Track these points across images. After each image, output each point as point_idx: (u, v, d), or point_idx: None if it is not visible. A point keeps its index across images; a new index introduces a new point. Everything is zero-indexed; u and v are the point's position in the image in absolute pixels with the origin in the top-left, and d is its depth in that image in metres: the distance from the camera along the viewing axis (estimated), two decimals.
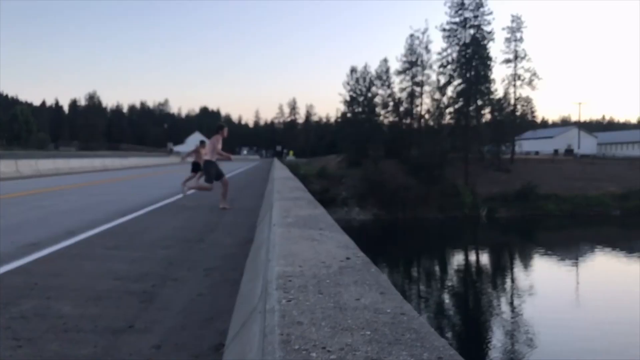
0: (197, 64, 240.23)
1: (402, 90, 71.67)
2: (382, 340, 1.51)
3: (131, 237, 7.66)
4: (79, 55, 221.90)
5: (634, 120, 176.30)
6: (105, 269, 5.49)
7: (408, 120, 72.85)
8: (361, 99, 71.14)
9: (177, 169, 40.14)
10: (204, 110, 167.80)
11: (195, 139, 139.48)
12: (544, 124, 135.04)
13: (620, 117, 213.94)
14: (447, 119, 70.18)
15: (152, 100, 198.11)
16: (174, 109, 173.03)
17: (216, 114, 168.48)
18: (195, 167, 16.10)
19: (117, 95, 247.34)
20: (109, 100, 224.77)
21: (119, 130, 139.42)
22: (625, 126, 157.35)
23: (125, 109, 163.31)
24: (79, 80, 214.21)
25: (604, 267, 37.50)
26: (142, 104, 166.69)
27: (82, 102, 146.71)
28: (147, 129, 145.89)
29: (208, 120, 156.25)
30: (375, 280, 2.22)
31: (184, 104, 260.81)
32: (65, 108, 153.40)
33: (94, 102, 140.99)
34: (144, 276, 5.24)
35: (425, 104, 71.87)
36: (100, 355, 3.22)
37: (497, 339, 21.76)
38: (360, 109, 71.25)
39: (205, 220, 9.80)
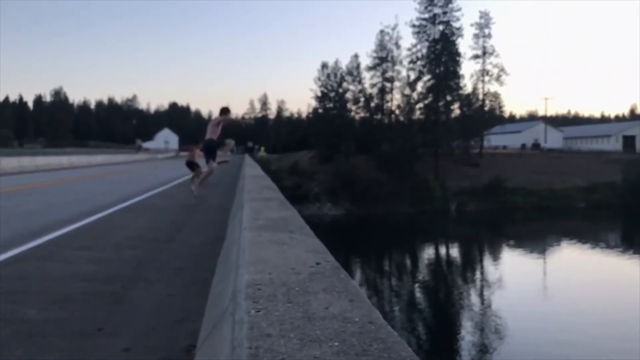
0: (166, 59, 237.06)
1: (373, 86, 72.07)
2: (350, 351, 1.51)
3: (99, 237, 7.53)
4: (43, 50, 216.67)
5: (597, 115, 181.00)
6: (72, 271, 5.37)
7: (379, 116, 73.28)
8: (332, 94, 71.22)
9: (147, 166, 39.61)
10: (173, 106, 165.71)
11: (164, 135, 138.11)
12: (512, 119, 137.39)
13: (585, 112, 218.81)
14: (417, 114, 70.85)
15: (120, 96, 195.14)
16: (142, 104, 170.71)
17: (186, 110, 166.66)
18: (190, 166, 15.91)
19: (84, 91, 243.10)
20: (75, 96, 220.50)
21: (86, 127, 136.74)
22: (589, 120, 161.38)
23: (92, 105, 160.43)
24: (44, 76, 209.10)
25: (570, 258, 38.41)
26: (110, 100, 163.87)
27: (48, 98, 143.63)
28: (115, 125, 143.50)
29: (177, 116, 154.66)
30: (344, 286, 2.22)
31: (152, 99, 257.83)
32: (30, 104, 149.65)
33: (59, 98, 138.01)
34: (113, 277, 5.16)
35: (395, 99, 72.45)
36: None
37: (467, 330, 22.10)
38: (331, 105, 71.33)
39: (175, 218, 9.69)
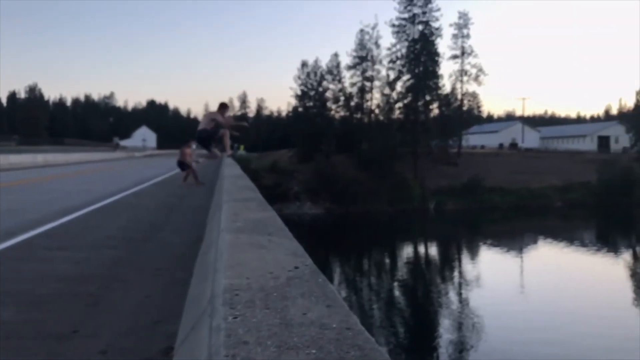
0: (144, 56, 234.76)
1: (353, 85, 72.30)
2: (327, 358, 1.52)
3: (75, 237, 7.42)
4: (17, 45, 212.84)
5: (573, 115, 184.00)
6: (48, 271, 5.29)
7: (359, 115, 73.51)
8: (312, 93, 71.21)
9: (124, 164, 39.18)
10: (151, 104, 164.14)
11: (142, 133, 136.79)
12: (490, 119, 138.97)
13: (561, 112, 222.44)
14: (397, 113, 71.29)
15: (97, 93, 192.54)
16: (120, 102, 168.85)
17: (164, 108, 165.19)
18: (182, 166, 15.87)
19: (60, 87, 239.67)
20: (51, 93, 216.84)
21: (62, 125, 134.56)
22: (566, 121, 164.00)
23: (68, 102, 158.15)
24: (18, 72, 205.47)
25: (547, 257, 39.00)
26: (87, 97, 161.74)
27: (22, 94, 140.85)
28: (92, 122, 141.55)
29: (155, 114, 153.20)
30: (322, 291, 2.22)
31: (130, 97, 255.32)
32: (3, 101, 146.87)
33: (34, 94, 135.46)
34: (90, 278, 5.09)
35: (375, 98, 72.77)
36: None
37: (445, 328, 22.31)
38: (311, 104, 71.32)
39: (153, 218, 9.60)
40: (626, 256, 39.53)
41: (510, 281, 29.96)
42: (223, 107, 11.30)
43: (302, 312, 1.90)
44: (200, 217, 9.06)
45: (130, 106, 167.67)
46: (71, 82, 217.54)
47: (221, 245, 3.40)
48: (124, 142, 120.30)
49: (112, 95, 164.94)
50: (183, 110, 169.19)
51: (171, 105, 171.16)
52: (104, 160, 46.58)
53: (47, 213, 9.63)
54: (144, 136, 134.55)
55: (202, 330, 2.39)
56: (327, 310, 1.94)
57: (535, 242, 45.20)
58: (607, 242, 45.65)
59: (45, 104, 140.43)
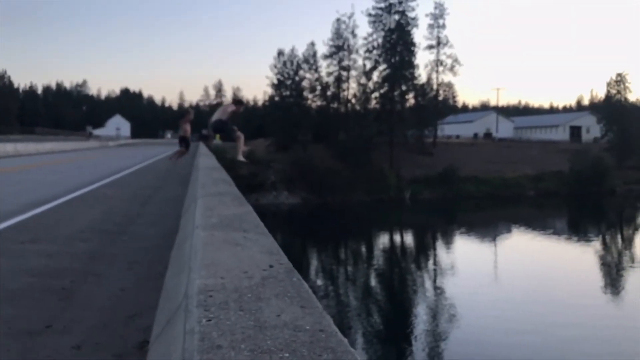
0: (117, 43, 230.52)
1: (329, 74, 72.19)
2: None
3: (48, 229, 7.31)
4: None
5: (546, 106, 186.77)
6: (19, 265, 5.20)
7: (335, 105, 73.53)
8: (289, 82, 70.90)
9: (98, 154, 38.60)
10: (125, 92, 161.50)
11: (116, 122, 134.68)
12: (465, 109, 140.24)
13: (534, 103, 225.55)
14: (373, 103, 71.49)
15: (69, 81, 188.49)
16: (93, 90, 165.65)
17: (138, 96, 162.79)
18: (185, 142, 15.65)
19: (30, 75, 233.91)
20: (20, 81, 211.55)
21: (33, 113, 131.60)
22: (539, 111, 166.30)
23: (39, 90, 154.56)
24: None
25: (520, 245, 39.72)
26: (58, 85, 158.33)
27: None
28: (64, 111, 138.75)
29: (129, 103, 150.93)
30: (296, 291, 2.24)
31: (103, 85, 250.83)
32: None
33: (3, 82, 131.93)
34: (63, 272, 5.02)
35: (352, 88, 72.85)
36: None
37: (420, 317, 22.60)
38: (288, 93, 71.03)
39: (127, 210, 9.49)
40: (596, 244, 40.48)
41: (484, 269, 30.45)
42: (239, 103, 11.28)
43: (276, 314, 1.91)
44: (176, 209, 8.99)
45: (103, 94, 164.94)
46: (42, 70, 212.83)
47: (195, 243, 3.39)
48: (97, 131, 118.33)
49: (84, 83, 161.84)
50: (157, 99, 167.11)
51: (145, 94, 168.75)
52: (76, 150, 45.77)
53: (18, 205, 9.45)
54: (118, 125, 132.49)
55: (177, 324, 2.39)
56: (301, 312, 1.95)
57: (508, 230, 45.96)
58: (578, 230, 46.67)
59: (15, 92, 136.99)
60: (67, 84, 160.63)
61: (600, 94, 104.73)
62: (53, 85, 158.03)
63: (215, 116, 11.04)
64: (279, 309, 1.99)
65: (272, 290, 2.24)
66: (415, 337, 20.11)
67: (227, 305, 2.03)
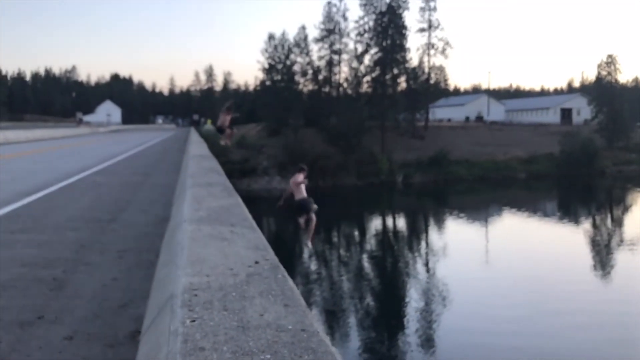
0: (106, 28, 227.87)
1: (321, 58, 71.74)
2: None
3: (38, 218, 7.28)
4: None
5: (537, 89, 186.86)
6: (10, 255, 5.19)
7: (327, 89, 73.23)
8: (280, 66, 70.43)
9: (88, 140, 38.35)
10: (115, 78, 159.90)
11: (106, 108, 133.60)
12: (456, 92, 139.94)
13: (525, 86, 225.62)
14: (365, 87, 71.22)
15: (58, 67, 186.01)
16: (82, 76, 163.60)
17: (128, 82, 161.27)
18: (220, 131, 15.57)
19: (18, 61, 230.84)
20: (9, 67, 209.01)
21: (21, 100, 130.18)
22: (530, 94, 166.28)
23: (28, 77, 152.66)
24: None
25: (511, 227, 39.98)
26: (47, 71, 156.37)
27: None
28: (53, 97, 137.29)
29: (120, 88, 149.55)
30: (281, 289, 2.25)
31: (93, 70, 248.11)
32: None
33: None
34: (54, 261, 5.03)
35: (343, 72, 72.50)
36: (6, 351, 3.08)
37: (412, 298, 22.79)
38: (279, 77, 70.59)
39: (117, 197, 9.47)
40: (586, 225, 40.83)
41: (476, 252, 30.65)
42: (302, 170, 10.76)
43: (260, 313, 1.93)
44: (166, 196, 8.98)
45: (93, 80, 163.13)
46: (30, 56, 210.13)
47: (183, 238, 3.39)
48: (87, 118, 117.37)
49: (73, 69, 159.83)
50: (148, 85, 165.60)
51: (135, 79, 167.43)
52: (67, 137, 45.43)
53: (7, 194, 9.39)
54: (108, 111, 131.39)
55: (165, 320, 2.41)
56: (284, 310, 1.97)
57: (500, 213, 46.23)
58: (568, 211, 47.03)
59: (3, 79, 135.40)
60: (56, 70, 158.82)
61: (591, 76, 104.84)
62: (42, 72, 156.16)
63: (298, 196, 10.51)
64: (262, 308, 2.01)
65: (256, 288, 2.26)
66: (407, 319, 20.29)
67: (212, 305, 2.05)
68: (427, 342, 18.01)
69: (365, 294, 24.11)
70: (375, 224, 43.86)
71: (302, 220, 10.78)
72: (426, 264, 29.64)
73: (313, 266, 29.79)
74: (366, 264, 30.32)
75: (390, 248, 34.67)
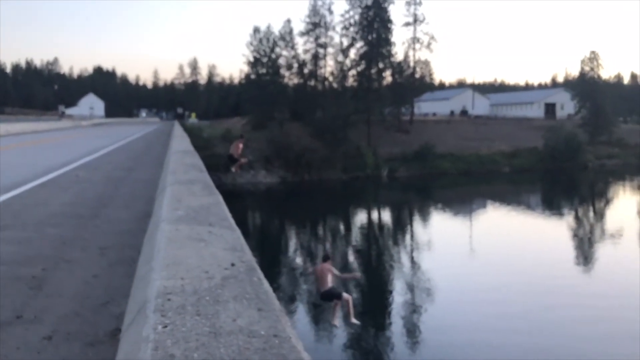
0: (89, 20, 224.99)
1: (306, 51, 71.70)
2: None
3: (18, 215, 7.16)
4: None
5: (522, 83, 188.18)
6: None
7: (312, 83, 73.17)
8: (265, 60, 70.21)
9: (71, 134, 37.88)
10: (98, 70, 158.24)
11: (89, 101, 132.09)
12: (441, 86, 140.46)
13: (510, 80, 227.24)
14: (350, 81, 71.27)
15: (39, 59, 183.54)
16: (64, 68, 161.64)
17: (111, 74, 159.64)
18: (231, 160, 15.74)
19: None
20: None
21: (2, 92, 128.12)
22: (515, 88, 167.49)
23: (8, 69, 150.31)
24: None
25: (495, 220, 40.36)
26: (28, 63, 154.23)
27: None
28: (34, 90, 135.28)
29: (102, 81, 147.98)
30: (255, 292, 2.24)
31: (75, 63, 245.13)
32: None
33: None
34: (33, 259, 4.94)
35: (329, 66, 72.53)
36: None
37: (397, 291, 22.93)
38: (264, 70, 70.38)
39: (99, 193, 9.35)
40: (569, 218, 41.35)
41: (460, 245, 30.89)
42: (327, 259, 10.79)
43: (232, 319, 1.91)
44: (149, 191, 8.87)
45: (75, 73, 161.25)
46: (10, 48, 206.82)
47: (159, 239, 3.36)
48: (70, 111, 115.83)
49: (55, 61, 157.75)
50: (131, 77, 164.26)
51: (119, 72, 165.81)
52: (49, 130, 44.82)
53: None
54: (91, 104, 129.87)
55: (143, 319, 2.38)
56: (258, 315, 1.95)
57: (484, 206, 46.64)
58: (551, 204, 47.58)
59: None
60: (38, 62, 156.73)
61: (575, 72, 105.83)
62: (23, 64, 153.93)
63: (322, 288, 10.33)
64: (235, 312, 1.99)
65: (231, 292, 2.24)
66: (393, 313, 20.40)
67: (185, 310, 2.02)
68: (413, 337, 18.13)
69: (350, 288, 24.16)
70: (360, 217, 43.98)
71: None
72: (411, 258, 29.80)
73: (298, 259, 29.85)
74: (352, 258, 30.40)
75: (375, 242, 34.81)
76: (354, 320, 10.73)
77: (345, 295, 10.37)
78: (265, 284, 2.37)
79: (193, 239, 3.29)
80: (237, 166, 14.93)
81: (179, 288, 2.30)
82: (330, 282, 10.12)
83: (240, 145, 14.58)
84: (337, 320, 10.57)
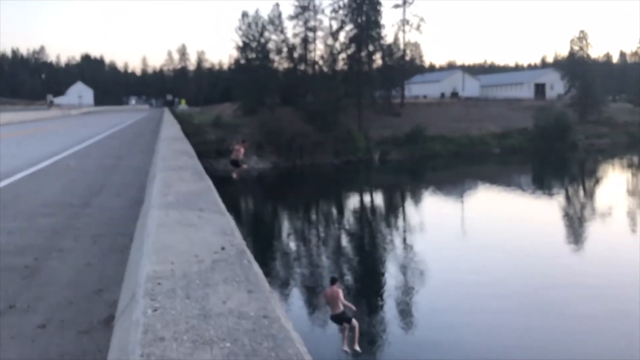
0: (75, 6, 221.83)
1: (296, 35, 71.26)
2: (240, 352, 1.56)
3: (9, 205, 7.12)
4: None
5: (512, 64, 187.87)
6: None
7: (302, 67, 72.79)
8: (254, 44, 69.66)
9: (60, 123, 37.56)
10: (86, 58, 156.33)
11: (77, 89, 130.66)
12: (432, 68, 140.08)
13: (500, 61, 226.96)
14: (341, 64, 70.98)
15: (25, 48, 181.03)
16: (51, 57, 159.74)
17: (99, 62, 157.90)
18: (235, 164, 15.84)
19: None
20: None
21: None
22: (505, 69, 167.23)
23: None
24: None
25: (486, 200, 40.58)
26: (14, 52, 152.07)
27: None
28: (21, 79, 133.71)
29: (91, 69, 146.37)
30: (245, 275, 2.25)
31: (62, 51, 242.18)
32: None
33: None
34: (25, 249, 4.93)
35: (318, 49, 72.09)
36: None
37: (390, 273, 23.07)
38: (253, 55, 69.87)
39: (90, 181, 9.32)
40: (559, 197, 41.65)
41: (452, 226, 31.07)
42: (334, 281, 11.01)
43: (222, 301, 1.92)
44: (140, 179, 8.85)
45: (63, 61, 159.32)
46: None
47: (150, 224, 3.36)
48: (58, 100, 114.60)
49: (42, 49, 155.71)
50: (120, 64, 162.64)
51: (107, 59, 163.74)
52: (37, 120, 44.39)
53: None
54: (80, 93, 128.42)
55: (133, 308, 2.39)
56: (247, 297, 1.97)
57: (475, 187, 46.86)
58: (542, 184, 47.90)
59: None
60: (24, 51, 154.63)
61: (564, 52, 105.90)
62: (8, 53, 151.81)
63: (335, 310, 10.62)
64: (225, 295, 2.01)
65: (221, 275, 2.25)
66: (386, 295, 20.53)
67: (174, 294, 2.03)
68: (406, 318, 18.26)
69: (343, 270, 24.31)
70: (353, 201, 44.09)
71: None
72: (404, 240, 29.96)
73: (291, 244, 29.95)
74: (344, 240, 30.56)
75: (368, 225, 34.94)
76: (357, 348, 11.00)
77: (354, 321, 10.70)
78: (255, 266, 2.39)
79: (183, 224, 3.30)
80: (238, 172, 15.11)
81: (168, 272, 2.31)
82: (342, 305, 10.50)
83: (242, 150, 14.72)
84: (347, 347, 10.90)
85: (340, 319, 10.67)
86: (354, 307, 11.13)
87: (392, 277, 22.64)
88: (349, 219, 36.81)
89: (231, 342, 1.60)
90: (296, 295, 20.77)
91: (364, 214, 38.48)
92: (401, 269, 23.66)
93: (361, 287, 22.09)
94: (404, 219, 36.11)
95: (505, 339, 15.71)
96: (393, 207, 41.20)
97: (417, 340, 16.31)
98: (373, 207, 41.63)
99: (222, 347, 1.57)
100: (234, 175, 15.62)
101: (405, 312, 18.80)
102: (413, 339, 16.50)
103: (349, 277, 23.57)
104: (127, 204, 7.08)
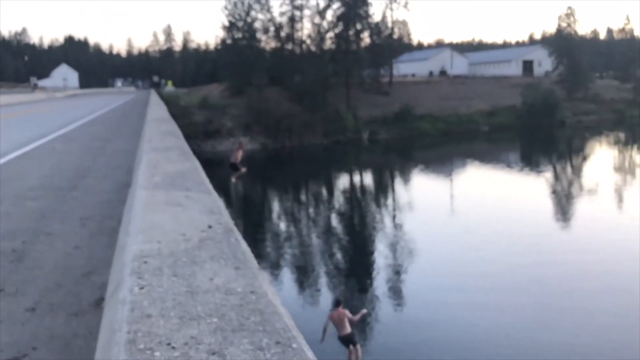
0: None
1: (282, 14, 70.44)
2: (226, 327, 1.56)
3: None
4: None
5: (500, 42, 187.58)
6: None
7: (290, 46, 72.15)
8: (241, 24, 68.88)
9: (45, 106, 37.10)
10: (70, 40, 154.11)
11: (62, 72, 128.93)
12: (420, 47, 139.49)
13: (488, 39, 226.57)
14: (328, 43, 70.44)
15: (6, 30, 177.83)
16: (34, 39, 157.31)
17: (84, 44, 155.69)
18: (234, 167, 15.74)
19: None
20: None
21: None
22: (493, 47, 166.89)
23: None
24: None
25: (476, 178, 40.82)
26: None
27: None
28: (4, 62, 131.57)
29: (75, 51, 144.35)
30: (232, 252, 2.26)
31: (45, 33, 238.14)
32: None
33: None
34: (12, 233, 4.90)
35: (306, 28, 71.50)
36: None
37: (379, 252, 23.21)
38: (240, 35, 69.13)
39: (77, 164, 9.24)
40: (548, 174, 41.99)
41: (441, 204, 31.28)
42: (339, 303, 11.42)
43: (209, 278, 1.93)
44: (127, 161, 8.79)
45: (46, 43, 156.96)
46: None
47: (136, 204, 3.35)
48: (42, 83, 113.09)
49: (24, 31, 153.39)
50: (105, 46, 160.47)
51: (91, 41, 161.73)
52: (22, 103, 43.80)
53: None
54: (64, 75, 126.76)
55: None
56: (235, 273, 1.98)
57: (464, 165, 47.09)
58: (530, 162, 48.20)
59: None
60: (6, 33, 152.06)
61: (552, 29, 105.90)
62: None
63: (342, 332, 10.99)
64: (212, 272, 2.01)
65: (208, 253, 2.25)
66: (375, 272, 20.69)
67: (161, 272, 2.04)
68: (396, 298, 18.39)
69: (334, 250, 24.45)
70: (342, 181, 44.19)
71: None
72: (394, 219, 30.13)
73: (281, 224, 30.01)
74: (334, 221, 30.66)
75: (358, 205, 35.07)
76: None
77: (359, 347, 11.20)
78: (243, 244, 2.39)
79: (170, 203, 3.29)
80: (237, 177, 15.15)
81: (155, 251, 2.31)
82: (349, 327, 10.90)
83: (240, 152, 14.76)
84: None
85: (347, 341, 11.08)
86: (365, 311, 11.63)
87: (381, 255, 22.78)
88: (338, 199, 36.91)
89: (218, 317, 1.61)
90: (286, 275, 20.88)
91: (354, 194, 38.59)
92: (391, 248, 23.80)
93: (350, 266, 22.23)
94: (394, 198, 36.27)
95: (497, 316, 15.89)
96: (382, 187, 41.34)
97: (406, 318, 16.46)
98: (362, 187, 41.75)
99: (209, 323, 1.58)
100: (233, 180, 15.73)
101: (395, 290, 18.96)
102: (402, 316, 16.65)
103: (338, 257, 23.72)
104: (115, 186, 7.04)
